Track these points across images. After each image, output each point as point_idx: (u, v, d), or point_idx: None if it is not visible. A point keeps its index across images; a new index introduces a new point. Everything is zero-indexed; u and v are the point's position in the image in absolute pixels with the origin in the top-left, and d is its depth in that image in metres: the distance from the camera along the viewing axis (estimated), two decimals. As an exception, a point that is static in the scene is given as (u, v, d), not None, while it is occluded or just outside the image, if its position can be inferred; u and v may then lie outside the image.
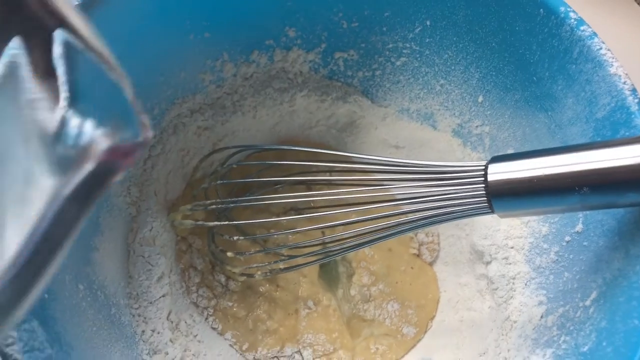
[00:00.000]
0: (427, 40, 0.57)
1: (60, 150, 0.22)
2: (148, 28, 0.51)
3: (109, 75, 0.25)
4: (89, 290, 0.47)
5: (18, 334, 0.35)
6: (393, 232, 0.51)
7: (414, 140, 0.62)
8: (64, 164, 0.22)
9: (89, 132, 0.22)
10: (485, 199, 0.44)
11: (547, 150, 0.42)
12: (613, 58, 0.45)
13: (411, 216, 0.49)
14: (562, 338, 0.46)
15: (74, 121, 0.23)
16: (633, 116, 0.43)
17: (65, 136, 0.22)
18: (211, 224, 0.54)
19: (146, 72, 0.54)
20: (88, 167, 0.21)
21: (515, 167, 0.42)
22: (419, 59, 0.59)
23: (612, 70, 0.45)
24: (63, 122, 0.23)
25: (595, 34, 0.46)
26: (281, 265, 0.56)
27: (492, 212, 0.44)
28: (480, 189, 0.44)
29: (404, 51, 0.59)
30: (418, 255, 0.60)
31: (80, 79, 0.24)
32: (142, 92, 0.53)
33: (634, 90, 0.44)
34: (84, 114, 0.23)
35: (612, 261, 0.44)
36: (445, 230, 0.61)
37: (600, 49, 0.45)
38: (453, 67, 0.57)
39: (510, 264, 0.54)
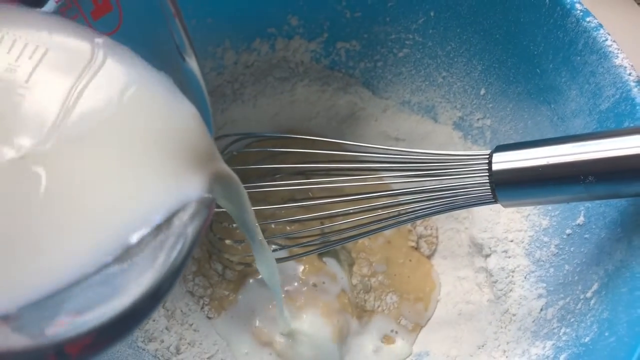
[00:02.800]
0: (431, 31, 0.57)
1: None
2: (150, 11, 0.51)
3: None
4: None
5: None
6: (393, 222, 0.51)
7: (415, 133, 0.62)
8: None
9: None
10: (489, 188, 0.43)
11: (552, 140, 0.42)
12: (618, 50, 0.45)
13: (412, 206, 0.49)
14: (563, 330, 0.46)
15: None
16: (638, 107, 0.43)
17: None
18: (210, 210, 0.53)
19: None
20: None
21: (520, 156, 0.42)
22: (421, 50, 0.59)
23: (618, 61, 0.44)
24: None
25: (601, 25, 0.46)
26: (279, 255, 0.55)
27: (496, 201, 0.44)
28: (484, 178, 0.43)
29: (407, 42, 0.59)
30: (416, 249, 0.60)
31: None
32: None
33: (639, 82, 0.44)
34: None
35: (614, 253, 0.44)
36: (444, 223, 0.61)
37: (606, 40, 0.45)
38: (456, 59, 0.57)
39: (509, 257, 0.54)
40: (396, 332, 0.56)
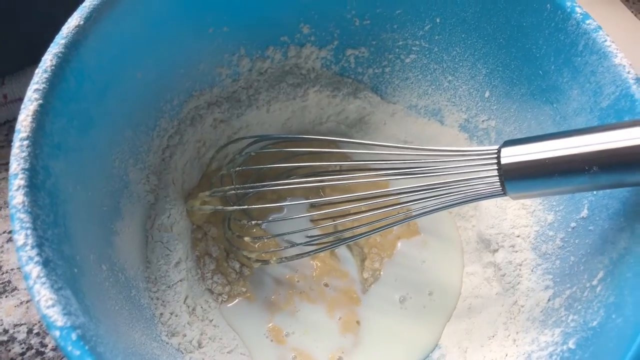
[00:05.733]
0: (437, 37, 0.59)
1: None
2: (170, 20, 0.53)
3: None
4: (110, 272, 0.48)
5: (57, 298, 0.36)
6: (403, 218, 0.53)
7: (422, 136, 0.65)
8: None
9: None
10: (499, 181, 0.45)
11: (557, 134, 0.44)
12: (617, 49, 0.47)
13: (423, 203, 0.51)
14: (570, 317, 0.48)
15: None
16: (637, 103, 0.46)
17: None
18: (230, 208, 0.56)
19: (167, 64, 0.55)
20: None
21: (528, 150, 0.44)
22: (428, 56, 0.61)
23: (617, 60, 0.47)
24: None
25: (600, 27, 0.48)
26: (295, 252, 0.58)
27: (505, 194, 0.46)
28: (493, 172, 0.46)
29: (414, 48, 0.61)
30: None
31: None
32: (162, 82, 0.56)
33: (638, 79, 0.46)
34: None
35: (618, 241, 0.46)
36: (452, 222, 0.63)
37: (605, 41, 0.48)
38: (461, 64, 0.60)
39: (516, 251, 0.56)
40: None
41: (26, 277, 0.36)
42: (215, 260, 0.58)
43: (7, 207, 0.64)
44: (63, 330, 0.35)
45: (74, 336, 0.35)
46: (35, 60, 0.43)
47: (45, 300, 0.35)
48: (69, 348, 0.34)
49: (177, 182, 0.59)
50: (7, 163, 0.66)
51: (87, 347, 0.35)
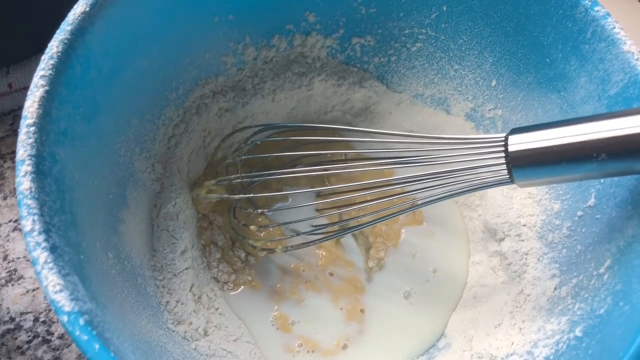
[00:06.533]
0: (443, 25, 0.59)
1: None
2: (176, 8, 0.53)
3: None
4: (117, 259, 0.49)
5: (64, 283, 0.36)
6: (408, 207, 0.53)
7: (428, 125, 0.64)
8: None
9: None
10: (506, 169, 0.45)
11: (565, 121, 0.44)
12: (626, 36, 0.47)
13: (429, 191, 0.51)
14: (577, 305, 0.48)
15: None
16: (646, 90, 0.45)
17: None
18: (235, 197, 0.56)
19: (173, 52, 0.55)
20: None
21: (535, 138, 0.44)
22: (434, 44, 0.61)
23: (626, 47, 0.47)
24: None
25: (608, 14, 0.48)
26: (300, 240, 0.58)
27: (512, 181, 0.46)
28: (500, 160, 0.45)
29: (420, 37, 0.61)
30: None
31: None
32: (168, 71, 0.55)
33: (647, 67, 0.46)
34: None
35: (625, 230, 0.46)
36: (458, 211, 0.63)
37: (614, 28, 0.47)
38: (467, 52, 0.59)
39: (523, 240, 0.56)
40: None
41: (34, 262, 0.36)
42: (221, 248, 0.58)
43: (12, 196, 0.64)
44: (71, 315, 0.35)
45: (81, 321, 0.35)
46: (40, 50, 0.43)
47: (53, 286, 0.35)
48: (77, 333, 0.34)
49: (183, 171, 0.59)
50: (13, 152, 0.67)
51: (94, 332, 0.35)
